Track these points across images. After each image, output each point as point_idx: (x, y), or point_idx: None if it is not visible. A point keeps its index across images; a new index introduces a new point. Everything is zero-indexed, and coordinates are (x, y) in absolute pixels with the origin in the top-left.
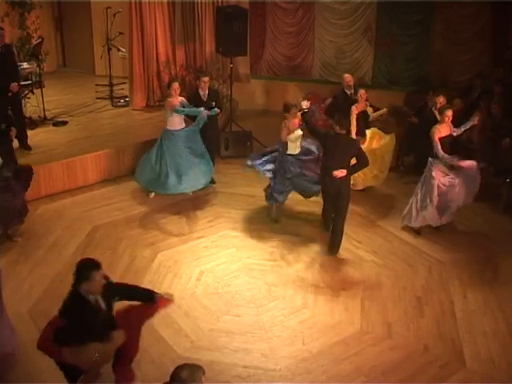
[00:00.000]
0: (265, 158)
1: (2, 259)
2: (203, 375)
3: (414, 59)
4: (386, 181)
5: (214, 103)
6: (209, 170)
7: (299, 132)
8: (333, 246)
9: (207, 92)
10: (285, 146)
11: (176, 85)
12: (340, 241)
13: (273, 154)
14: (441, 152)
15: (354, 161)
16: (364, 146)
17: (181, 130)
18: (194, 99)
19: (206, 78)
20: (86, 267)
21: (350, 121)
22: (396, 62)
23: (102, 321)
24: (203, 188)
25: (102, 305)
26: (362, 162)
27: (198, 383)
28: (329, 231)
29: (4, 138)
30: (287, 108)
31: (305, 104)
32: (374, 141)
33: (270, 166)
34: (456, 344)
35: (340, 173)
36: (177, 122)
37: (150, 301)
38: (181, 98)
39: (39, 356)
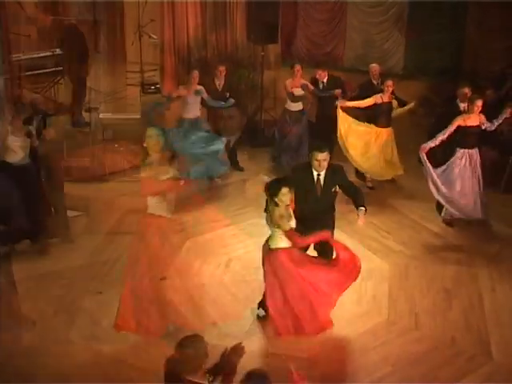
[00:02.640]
0: None
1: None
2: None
3: (446, 48)
4: (415, 172)
5: (228, 94)
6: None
7: None
8: None
9: (223, 82)
10: None
11: (196, 73)
12: None
13: None
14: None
15: None
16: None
17: (195, 120)
18: (208, 87)
19: (223, 68)
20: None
21: None
22: (427, 51)
23: None
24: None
25: None
26: None
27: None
28: None
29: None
30: None
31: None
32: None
33: None
34: (483, 337)
35: None
36: (191, 111)
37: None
38: (199, 87)
39: None
